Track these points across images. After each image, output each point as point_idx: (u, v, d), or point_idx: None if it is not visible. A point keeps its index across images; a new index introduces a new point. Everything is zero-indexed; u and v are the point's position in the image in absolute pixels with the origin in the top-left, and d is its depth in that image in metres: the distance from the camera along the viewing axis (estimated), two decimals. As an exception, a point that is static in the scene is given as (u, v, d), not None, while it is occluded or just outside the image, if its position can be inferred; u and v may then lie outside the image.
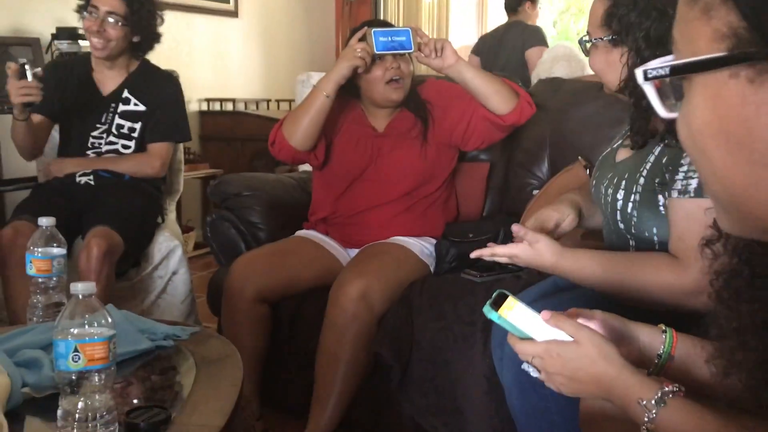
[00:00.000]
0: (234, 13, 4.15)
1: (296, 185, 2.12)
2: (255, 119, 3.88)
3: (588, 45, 1.14)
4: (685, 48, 0.43)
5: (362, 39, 1.67)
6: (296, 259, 1.72)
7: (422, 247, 1.77)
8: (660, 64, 0.43)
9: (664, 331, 0.77)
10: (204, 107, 4.02)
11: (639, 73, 0.43)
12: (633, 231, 1.10)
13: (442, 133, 1.82)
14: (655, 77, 0.43)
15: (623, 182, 1.12)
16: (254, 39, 4.31)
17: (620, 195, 1.12)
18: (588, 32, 1.16)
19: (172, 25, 3.79)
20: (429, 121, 1.81)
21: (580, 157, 1.77)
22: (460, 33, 5.57)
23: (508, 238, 1.74)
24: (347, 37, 1.81)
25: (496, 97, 1.70)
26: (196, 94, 3.94)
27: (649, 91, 0.44)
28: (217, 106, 4.04)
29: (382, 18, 4.80)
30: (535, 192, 1.87)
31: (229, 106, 4.06)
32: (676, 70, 0.42)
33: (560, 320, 0.72)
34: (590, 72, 2.75)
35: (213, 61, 4.08)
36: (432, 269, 1.74)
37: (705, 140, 0.42)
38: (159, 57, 2.20)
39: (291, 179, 2.17)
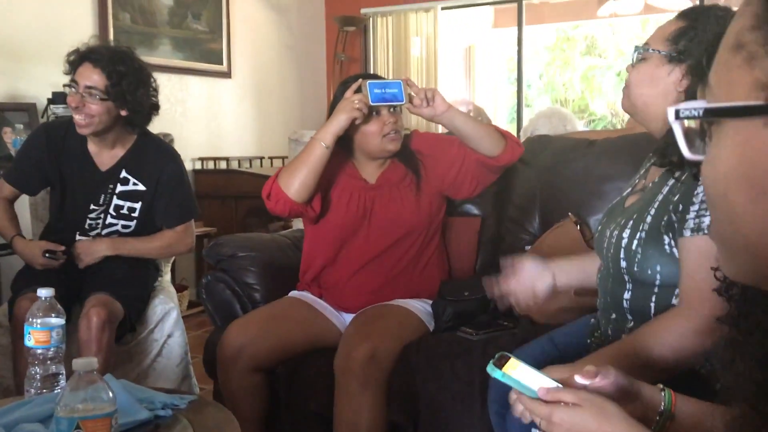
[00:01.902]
0: (227, 74, 4.25)
1: (290, 244, 2.14)
2: (248, 177, 3.93)
3: (642, 52, 1.14)
4: (721, 92, 0.44)
5: (357, 91, 1.71)
6: (291, 323, 1.71)
7: (421, 307, 1.77)
8: (694, 105, 0.43)
9: (662, 390, 0.78)
10: (198, 166, 4.08)
11: (671, 112, 0.44)
12: (635, 270, 1.10)
13: (434, 180, 1.85)
14: (687, 117, 0.44)
15: (631, 221, 1.14)
16: (247, 98, 4.40)
17: (626, 233, 1.13)
18: (647, 43, 1.17)
19: (166, 86, 3.88)
20: (421, 169, 1.85)
21: (570, 214, 1.81)
22: (449, 86, 5.71)
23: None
24: (337, 89, 1.85)
25: (487, 139, 1.74)
26: (190, 153, 4.01)
27: (677, 130, 0.45)
28: (211, 165, 4.10)
29: (371, 66, 4.94)
30: (527, 248, 1.89)
31: (223, 165, 4.11)
32: (710, 113, 0.43)
33: (558, 394, 0.72)
34: (572, 127, 2.85)
35: (207, 120, 4.15)
36: (431, 328, 1.74)
37: (729, 185, 0.42)
38: (154, 119, 2.21)
39: (285, 238, 2.18)
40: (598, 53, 10.15)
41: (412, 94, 1.70)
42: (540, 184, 2.00)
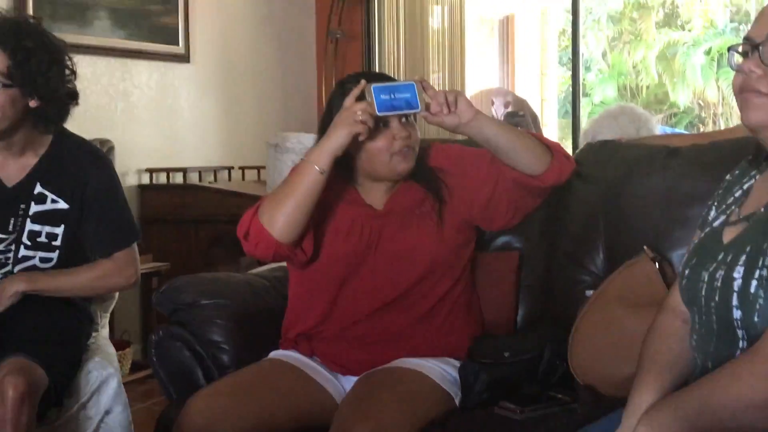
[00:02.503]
0: (184, 58, 4.30)
1: (270, 288, 2.15)
2: (213, 194, 3.96)
3: (754, 48, 1.16)
4: None
5: (359, 97, 1.74)
6: (272, 395, 1.71)
7: (443, 371, 1.77)
8: None
9: None
10: (145, 180, 4.11)
11: None
12: (755, 320, 1.12)
13: (460, 206, 1.87)
14: None
15: (742, 257, 1.15)
16: (211, 90, 4.45)
17: (738, 273, 1.15)
18: (749, 37, 1.18)
19: (103, 75, 3.94)
20: (443, 191, 1.88)
21: (646, 248, 1.82)
22: (480, 71, 5.76)
23: (556, 357, 1.78)
24: (332, 92, 1.87)
25: (527, 154, 1.77)
26: (135, 163, 4.04)
27: None
28: (162, 178, 4.13)
29: (377, 61, 5.00)
30: (588, 293, 1.90)
31: (179, 178, 4.15)
32: None
33: None
34: (647, 130, 2.86)
35: (157, 119, 4.19)
36: (457, 401, 1.74)
37: None
38: (84, 118, 2.21)
39: (263, 280, 2.20)
40: (680, 24, 10.20)
41: (429, 99, 1.73)
42: (604, 206, 2.01)
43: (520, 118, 5.69)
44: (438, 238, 1.83)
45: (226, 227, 4.13)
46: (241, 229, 1.75)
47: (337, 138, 1.68)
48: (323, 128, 1.78)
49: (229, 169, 4.39)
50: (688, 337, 1.29)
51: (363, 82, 1.73)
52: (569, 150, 2.51)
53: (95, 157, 2.04)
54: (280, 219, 1.69)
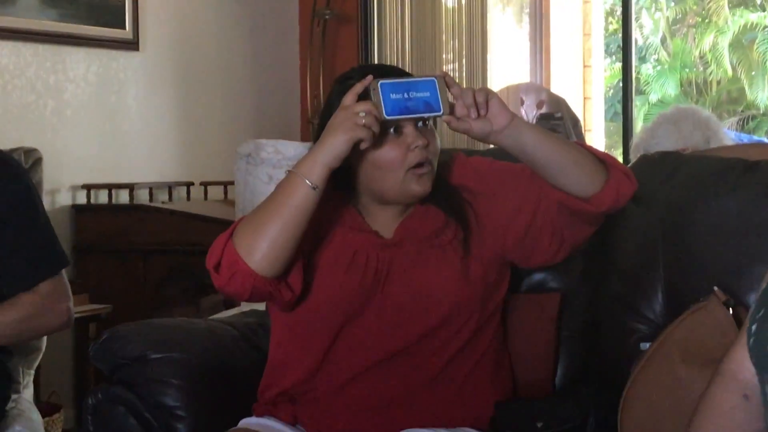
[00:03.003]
0: (132, 44, 4.32)
1: (239, 338, 2.15)
2: (168, 217, 3.99)
3: None
4: None
5: (363, 95, 1.75)
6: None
7: (461, 445, 1.77)
8: None
9: None
10: (81, 199, 4.12)
11: None
12: None
13: (492, 236, 1.87)
14: None
15: None
16: (166, 85, 4.46)
17: None
18: None
19: (28, 65, 3.94)
20: (470, 217, 1.88)
21: (716, 289, 1.82)
22: (505, 62, 5.79)
23: (603, 428, 1.77)
24: (332, 90, 1.87)
25: (576, 170, 1.76)
26: (68, 177, 4.05)
27: None
28: (103, 197, 4.15)
29: (377, 48, 5.02)
30: (644, 345, 1.90)
31: (124, 196, 4.16)
32: None
33: None
34: (717, 140, 2.86)
35: (97, 122, 4.21)
36: (478, 482, 1.74)
37: None
38: (4, 120, 2.21)
39: (230, 328, 2.20)
40: (760, 3, 10.26)
41: (453, 99, 1.74)
42: (664, 235, 2.01)
43: (557, 121, 5.71)
44: (462, 277, 1.83)
45: (183, 259, 4.11)
46: (212, 259, 1.75)
47: (334, 145, 1.68)
48: (319, 134, 1.79)
49: (189, 185, 4.40)
50: (749, 418, 1.27)
51: (369, 77, 1.74)
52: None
53: (4, 167, 2.07)
54: (261, 247, 1.69)
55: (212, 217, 3.87)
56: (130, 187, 4.16)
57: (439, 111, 1.73)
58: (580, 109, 7.27)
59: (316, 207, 1.71)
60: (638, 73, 9.90)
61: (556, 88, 6.64)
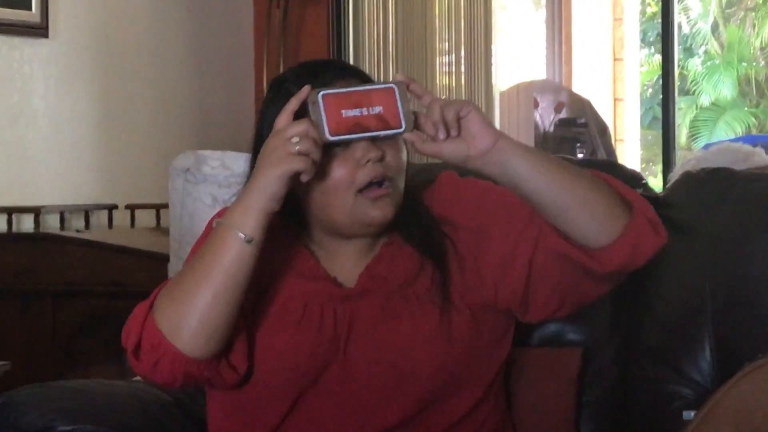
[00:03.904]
0: (40, 30, 4.32)
1: (172, 405, 2.13)
2: (82, 249, 3.97)
3: None
4: None
5: (301, 110, 1.73)
6: None
7: None
8: None
9: None
10: (-29, 225, 4.13)
11: None
12: None
13: (480, 283, 1.86)
14: None
15: None
16: (83, 81, 4.47)
17: None
18: None
19: None
20: (451, 259, 1.88)
21: (779, 344, 1.83)
22: (517, 56, 5.81)
23: None
24: (266, 98, 1.86)
25: (583, 213, 1.72)
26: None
27: None
28: (1, 223, 4.12)
29: (352, 35, 5.05)
30: (688, 414, 1.90)
31: (27, 222, 4.15)
32: None
33: None
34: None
35: (-5, 128, 4.25)
36: None
37: None
38: None
39: (160, 392, 2.19)
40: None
41: (417, 114, 1.71)
42: (713, 275, 2.01)
43: (580, 129, 5.75)
44: (443, 335, 1.80)
45: (103, 304, 4.06)
46: (129, 339, 1.72)
47: (265, 185, 1.67)
48: (255, 156, 1.78)
49: (111, 208, 4.40)
50: None
51: (306, 88, 1.73)
52: (658, 183, 2.52)
53: None
54: (190, 323, 1.69)
55: (141, 249, 3.85)
56: (36, 212, 4.13)
57: (400, 127, 1.69)
58: (609, 114, 7.31)
59: (256, 262, 1.70)
60: (683, 68, 9.93)
61: (579, 87, 6.71)
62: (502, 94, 5.86)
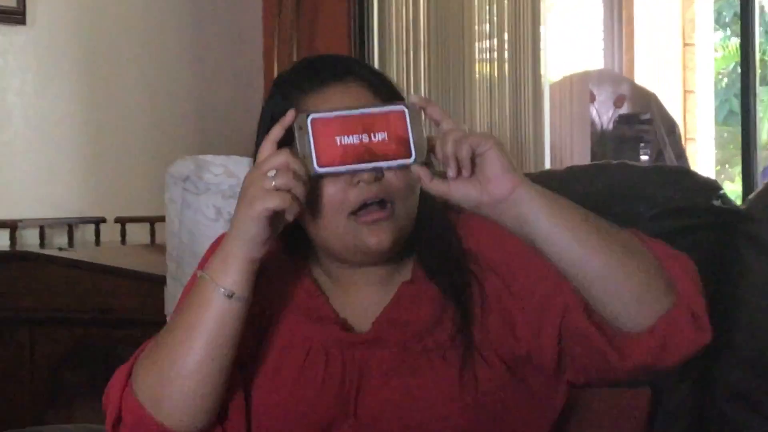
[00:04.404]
0: (17, 15, 4.35)
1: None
2: (65, 270, 3.98)
3: None
4: None
5: (287, 138, 1.71)
6: None
7: None
8: None
9: None
10: (-64, 241, 4.16)
11: None
12: None
13: (512, 335, 1.83)
14: None
15: None
16: (65, 75, 4.51)
17: None
18: None
19: None
20: (477, 303, 1.84)
21: None
22: (565, 45, 5.80)
23: None
24: (267, 99, 1.86)
25: (612, 288, 1.69)
26: None
27: None
28: (-30, 240, 4.16)
29: (377, 21, 5.07)
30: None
31: (2, 239, 4.16)
32: None
33: None
34: None
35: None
36: None
37: None
38: None
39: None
40: None
41: (433, 140, 1.69)
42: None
43: (644, 126, 5.73)
44: (469, 391, 1.79)
45: (90, 332, 4.09)
46: (109, 411, 1.74)
47: (244, 230, 1.68)
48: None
49: (98, 222, 4.44)
50: None
51: (291, 112, 1.71)
52: (736, 189, 2.48)
53: None
54: (172, 394, 1.70)
55: (133, 270, 3.84)
56: (12, 226, 4.15)
57: (409, 157, 1.67)
58: (678, 108, 7.30)
59: (245, 317, 1.70)
60: (765, 53, 9.90)
61: (642, 78, 6.69)
62: (552, 86, 5.86)
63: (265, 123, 1.79)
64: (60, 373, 3.91)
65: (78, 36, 4.59)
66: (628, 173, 2.31)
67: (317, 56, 2.07)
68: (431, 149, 1.68)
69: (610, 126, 5.91)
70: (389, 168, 1.71)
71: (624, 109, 5.77)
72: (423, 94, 5.92)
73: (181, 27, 4.95)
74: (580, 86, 5.69)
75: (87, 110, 4.57)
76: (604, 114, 5.79)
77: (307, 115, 1.66)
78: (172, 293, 3.26)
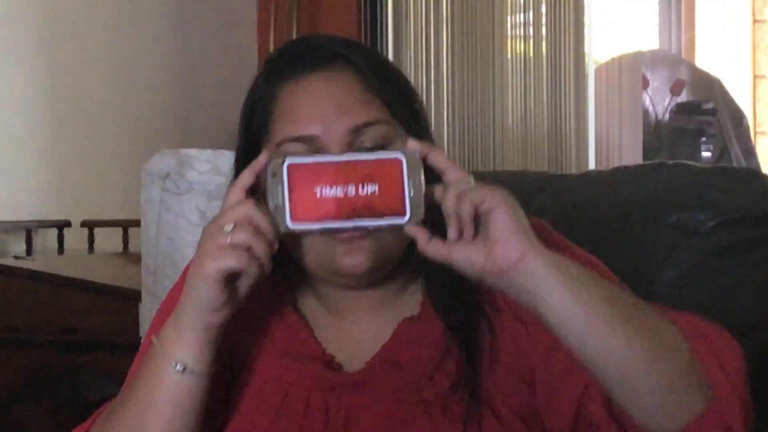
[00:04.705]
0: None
1: None
2: (22, 282, 4.01)
3: None
4: None
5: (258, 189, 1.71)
6: None
7: None
8: None
9: None
10: None
11: None
12: None
13: (527, 389, 1.83)
14: None
15: None
16: (22, 54, 4.53)
17: None
18: None
19: None
20: (485, 344, 1.84)
21: None
22: (613, 22, 5.83)
23: None
24: (255, 79, 1.86)
25: (633, 383, 1.68)
26: None
27: None
28: None
29: (392, 2, 5.05)
30: None
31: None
32: None
33: None
34: None
35: None
36: None
37: None
38: None
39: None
40: None
41: (434, 191, 1.68)
42: None
43: (705, 117, 5.73)
44: None
45: (49, 357, 4.14)
46: None
47: (197, 293, 1.67)
48: (239, 159, 1.81)
49: (62, 226, 4.47)
50: None
51: (265, 154, 1.71)
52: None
53: None
54: None
55: (102, 283, 3.87)
56: (-35, 230, 4.15)
57: (403, 216, 1.64)
58: (746, 96, 7.29)
59: (205, 393, 1.70)
60: None
61: (704, 60, 6.70)
62: (598, 68, 5.87)
63: (246, 109, 1.81)
64: (14, 404, 3.93)
65: (39, 8, 4.61)
66: (687, 175, 2.30)
67: (304, 37, 2.06)
68: (432, 204, 1.65)
69: (666, 116, 5.91)
70: (377, 228, 1.69)
71: (682, 97, 5.77)
72: (444, 78, 5.92)
73: (166, 4, 4.99)
74: (631, 69, 5.70)
75: (49, 96, 4.59)
76: (659, 102, 5.80)
77: (283, 161, 1.64)
78: (148, 311, 3.27)
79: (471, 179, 1.59)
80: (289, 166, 1.63)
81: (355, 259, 1.74)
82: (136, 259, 3.91)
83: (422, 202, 1.63)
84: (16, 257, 4.25)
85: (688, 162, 2.45)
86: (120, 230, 4.45)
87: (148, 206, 3.58)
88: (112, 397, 1.86)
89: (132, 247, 4.31)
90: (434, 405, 1.79)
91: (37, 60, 4.56)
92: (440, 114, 5.53)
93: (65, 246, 4.43)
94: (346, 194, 1.63)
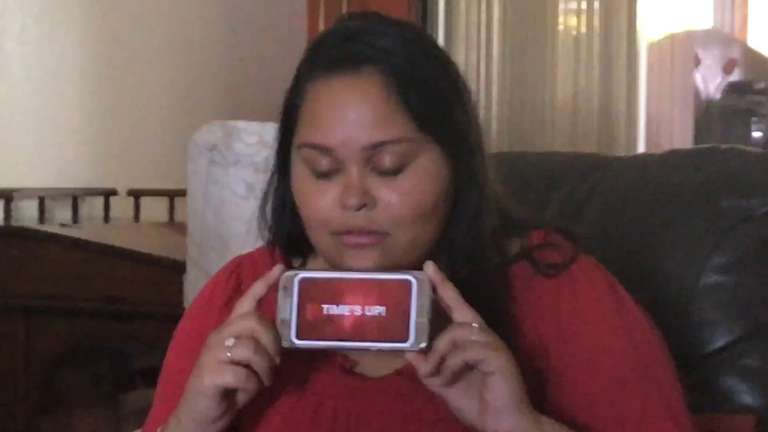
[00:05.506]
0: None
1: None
2: (66, 251, 4.00)
3: None
4: None
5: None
6: None
7: None
8: None
9: None
10: None
11: None
12: None
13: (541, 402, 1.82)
14: None
15: None
16: (71, 22, 4.52)
17: None
18: None
19: None
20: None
21: None
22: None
23: None
24: (301, 62, 1.84)
25: None
26: None
27: None
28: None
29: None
30: None
31: (-5, 212, 4.24)
32: None
33: None
34: None
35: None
36: None
37: None
38: None
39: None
40: None
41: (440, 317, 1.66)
42: None
43: (758, 97, 5.69)
44: None
45: (93, 326, 4.11)
46: None
47: (193, 404, 1.66)
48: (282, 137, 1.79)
49: (108, 194, 4.48)
50: None
51: (278, 267, 1.69)
52: None
53: None
54: None
55: (147, 254, 3.87)
56: (6, 197, 4.18)
57: (406, 341, 1.60)
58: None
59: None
60: None
61: (757, 40, 6.65)
62: (650, 46, 5.83)
63: (287, 96, 1.77)
64: (58, 373, 3.93)
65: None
66: (740, 160, 2.27)
67: (343, 25, 2.00)
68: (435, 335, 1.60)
69: (718, 95, 5.88)
70: (379, 350, 1.66)
71: (734, 76, 5.73)
72: (494, 54, 5.89)
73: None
74: (684, 48, 5.65)
75: (98, 62, 4.58)
76: (710, 81, 5.76)
77: (295, 275, 1.63)
78: (192, 282, 3.26)
79: (476, 325, 1.55)
80: (301, 281, 1.62)
81: (361, 264, 1.72)
82: (181, 229, 3.89)
83: (426, 329, 1.59)
84: (62, 225, 4.24)
85: (741, 146, 2.44)
86: (166, 200, 4.46)
87: (195, 177, 3.58)
88: (157, 366, 1.86)
89: (178, 217, 4.30)
90: (450, 420, 1.73)
91: (87, 28, 4.55)
92: (490, 91, 5.51)
93: (111, 214, 4.44)
94: (352, 313, 1.62)
